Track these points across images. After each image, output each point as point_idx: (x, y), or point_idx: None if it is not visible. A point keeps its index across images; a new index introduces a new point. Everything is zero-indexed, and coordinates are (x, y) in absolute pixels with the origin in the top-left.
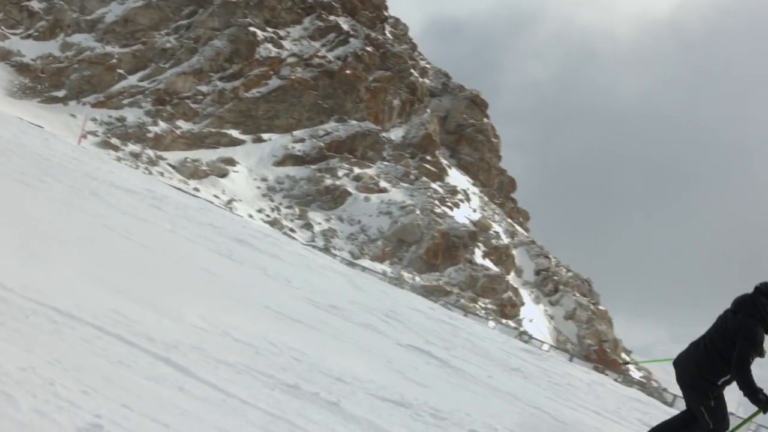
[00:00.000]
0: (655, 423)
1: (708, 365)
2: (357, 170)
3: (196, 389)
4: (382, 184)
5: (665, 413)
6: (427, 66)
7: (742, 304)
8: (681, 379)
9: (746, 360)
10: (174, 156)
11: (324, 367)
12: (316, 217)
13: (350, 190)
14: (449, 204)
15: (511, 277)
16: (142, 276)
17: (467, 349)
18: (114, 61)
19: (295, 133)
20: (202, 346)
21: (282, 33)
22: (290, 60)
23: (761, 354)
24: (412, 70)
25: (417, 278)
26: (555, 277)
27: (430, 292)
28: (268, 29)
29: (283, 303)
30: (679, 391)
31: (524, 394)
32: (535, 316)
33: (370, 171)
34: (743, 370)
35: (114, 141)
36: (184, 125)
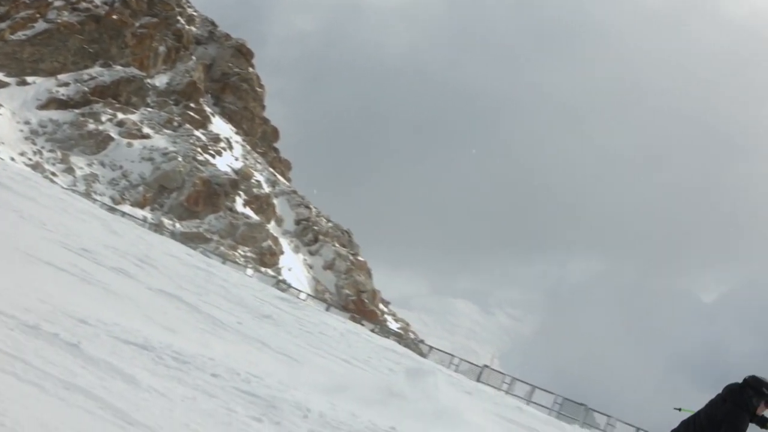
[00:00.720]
0: (405, 372)
1: None
2: (120, 116)
3: None
4: (146, 130)
5: (419, 364)
6: (194, 14)
7: (730, 393)
8: None
9: None
10: None
11: (68, 309)
12: (79, 161)
13: (113, 135)
14: (211, 152)
15: (272, 226)
16: None
17: (220, 295)
18: None
19: (59, 77)
20: None
21: None
22: (57, 3)
23: None
24: (178, 18)
25: (177, 225)
26: (315, 228)
27: (189, 239)
28: None
29: (34, 245)
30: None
31: (273, 341)
32: (294, 265)
33: (134, 117)
34: None
35: None
36: None
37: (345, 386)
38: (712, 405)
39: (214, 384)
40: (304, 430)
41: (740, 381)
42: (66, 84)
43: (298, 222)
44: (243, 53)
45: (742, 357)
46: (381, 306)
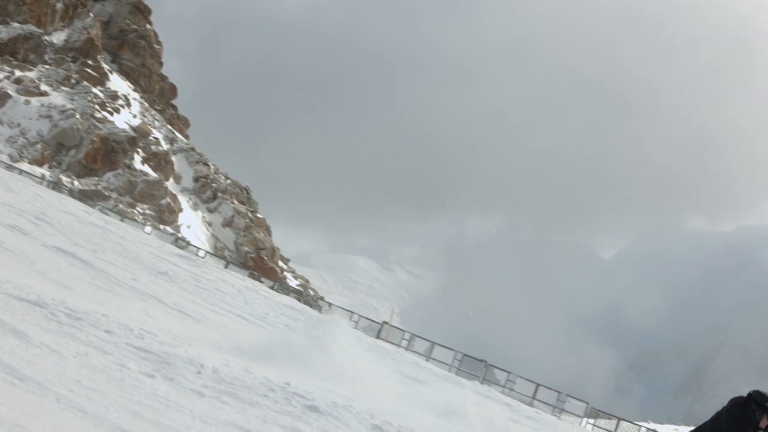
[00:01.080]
0: (302, 328)
1: None
2: (18, 73)
3: None
4: (43, 87)
5: (317, 320)
6: None
7: (734, 406)
8: None
9: None
10: None
11: None
12: None
13: (10, 92)
14: (109, 109)
15: (170, 184)
16: None
17: (116, 252)
18: None
19: None
20: None
21: None
22: None
23: None
24: None
25: (76, 182)
26: (214, 185)
27: (88, 197)
28: None
29: None
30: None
31: (169, 298)
32: (193, 222)
33: (31, 74)
34: None
35: None
36: None
37: (240, 342)
38: (717, 417)
39: (107, 340)
40: (197, 386)
41: (744, 394)
42: None
43: (196, 179)
44: (140, 10)
45: (641, 312)
46: (281, 263)
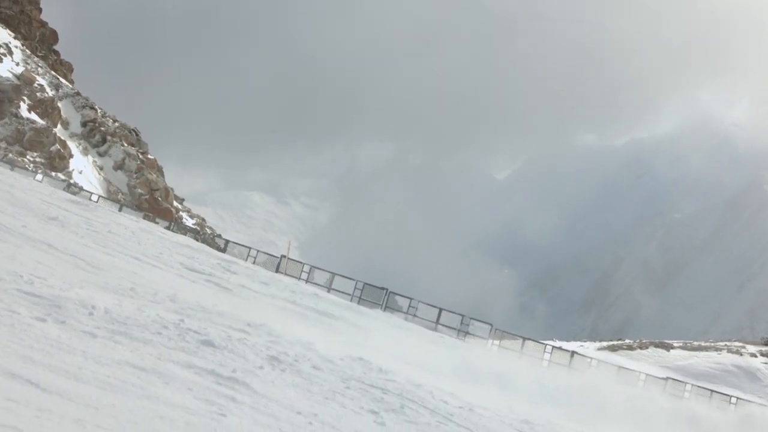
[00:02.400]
0: (199, 267)
1: None
2: None
3: None
4: None
5: (216, 258)
6: None
7: None
8: None
9: None
10: None
11: None
12: None
13: None
14: None
15: (58, 130)
16: None
17: (5, 200)
18: None
19: None
20: None
21: None
22: None
23: None
24: None
25: None
26: (102, 128)
27: None
28: None
29: None
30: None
31: (60, 242)
32: (84, 167)
33: None
34: None
35: None
36: None
37: (132, 283)
38: None
39: None
40: (89, 328)
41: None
42: None
43: (84, 124)
44: None
45: (539, 231)
46: (175, 203)
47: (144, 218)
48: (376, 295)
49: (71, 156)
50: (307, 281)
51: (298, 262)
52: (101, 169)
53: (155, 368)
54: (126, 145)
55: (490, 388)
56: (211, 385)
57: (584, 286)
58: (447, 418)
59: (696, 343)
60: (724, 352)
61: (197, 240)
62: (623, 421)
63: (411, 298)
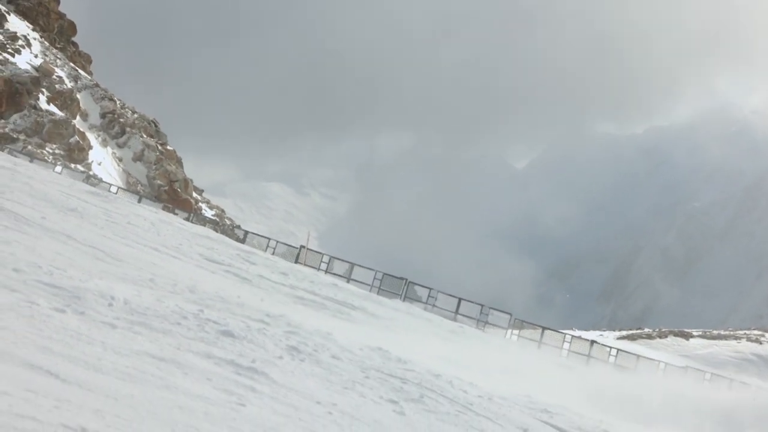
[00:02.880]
0: (218, 257)
1: None
2: None
3: None
4: None
5: (235, 249)
6: None
7: None
8: None
9: None
10: None
11: None
12: None
13: None
14: (10, 50)
15: (77, 122)
16: None
17: (24, 192)
18: None
19: None
20: None
21: None
22: None
23: None
24: None
25: None
26: (121, 120)
27: None
28: None
29: None
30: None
31: (79, 234)
32: (103, 159)
33: None
34: None
35: None
36: None
37: (152, 274)
38: None
39: (15, 278)
40: (109, 319)
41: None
42: None
43: (103, 115)
44: None
45: (557, 220)
46: (195, 194)
47: (163, 209)
48: (396, 286)
49: (90, 147)
50: (326, 272)
51: (317, 252)
52: (120, 160)
53: (174, 358)
54: (145, 136)
55: (509, 378)
56: (231, 375)
57: (603, 275)
58: (466, 407)
59: (715, 332)
60: (744, 340)
61: (216, 231)
62: (647, 409)
63: (430, 288)
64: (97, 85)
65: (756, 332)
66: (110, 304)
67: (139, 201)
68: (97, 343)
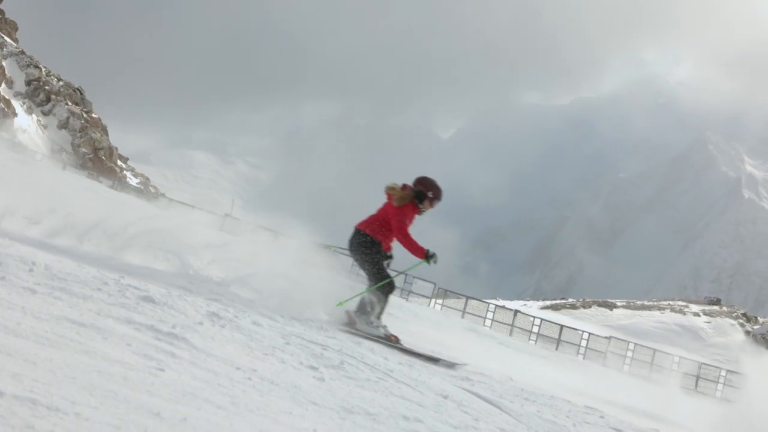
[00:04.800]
0: (146, 223)
1: None
2: None
3: None
4: None
5: (156, 216)
6: None
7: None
8: None
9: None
10: None
11: None
12: None
13: None
14: None
15: (2, 89)
16: None
17: None
18: None
19: None
20: None
21: None
22: None
23: None
24: None
25: None
26: (47, 87)
27: None
28: None
29: None
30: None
31: (1, 200)
32: (28, 126)
33: None
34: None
35: None
36: None
37: (75, 240)
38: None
39: None
40: (29, 284)
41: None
42: None
43: (28, 83)
44: None
45: (483, 190)
46: (120, 162)
47: (88, 177)
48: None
49: (15, 115)
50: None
51: (241, 220)
52: (45, 128)
53: (94, 323)
54: (70, 104)
55: (431, 347)
56: (150, 341)
57: (528, 245)
58: (387, 374)
59: (639, 303)
60: (668, 311)
61: (141, 199)
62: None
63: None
64: (22, 53)
65: (680, 303)
66: (31, 270)
67: (64, 168)
68: (17, 308)
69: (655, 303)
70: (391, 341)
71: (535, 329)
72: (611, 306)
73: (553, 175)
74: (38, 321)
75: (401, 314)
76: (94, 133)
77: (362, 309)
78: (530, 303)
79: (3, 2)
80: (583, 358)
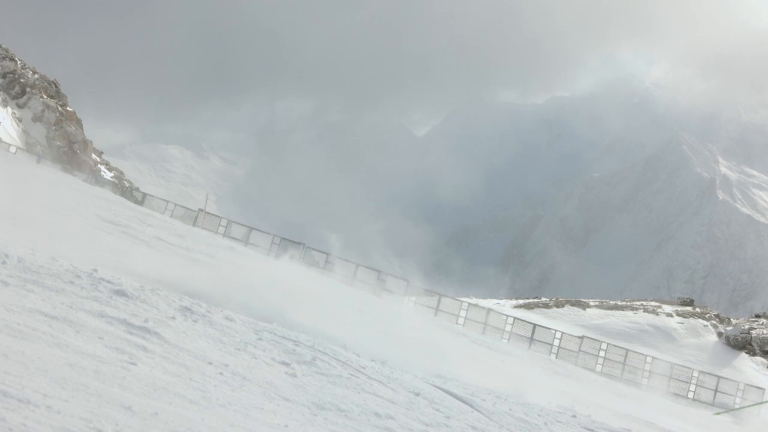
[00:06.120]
0: (116, 219)
1: None
2: None
3: None
4: None
5: (132, 210)
6: None
7: None
8: None
9: None
10: None
11: None
12: None
13: None
14: None
15: None
16: None
17: None
18: None
19: None
20: None
21: None
22: None
23: None
24: None
25: None
26: (21, 80)
27: None
28: None
29: None
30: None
31: None
32: (2, 119)
33: None
34: None
35: None
36: None
37: (48, 232)
38: None
39: None
40: (2, 276)
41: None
42: None
43: (3, 75)
44: None
45: (457, 188)
46: (94, 156)
47: (62, 171)
48: (293, 250)
49: None
50: (224, 235)
51: (215, 216)
52: (20, 121)
53: (66, 317)
54: (45, 97)
55: (405, 344)
56: (123, 335)
57: (502, 244)
58: (359, 370)
59: (612, 302)
60: (641, 311)
61: (115, 193)
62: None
63: (327, 254)
64: None
65: (653, 303)
66: (4, 262)
67: (38, 162)
68: None
69: (628, 303)
70: None
71: (508, 328)
72: (584, 305)
73: (526, 173)
74: (10, 313)
75: (373, 311)
76: (69, 126)
77: None
78: (503, 301)
79: None
80: (556, 357)
